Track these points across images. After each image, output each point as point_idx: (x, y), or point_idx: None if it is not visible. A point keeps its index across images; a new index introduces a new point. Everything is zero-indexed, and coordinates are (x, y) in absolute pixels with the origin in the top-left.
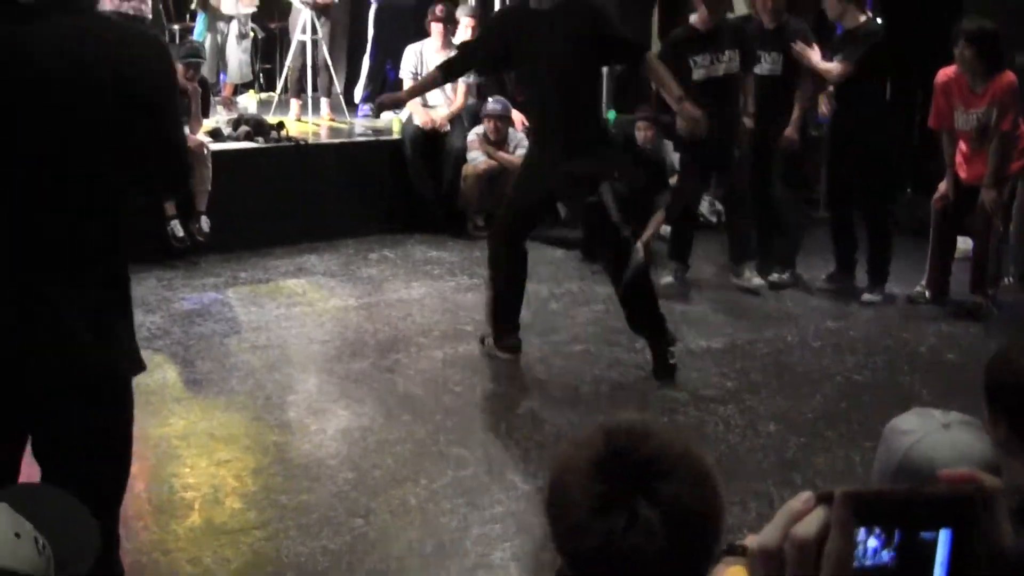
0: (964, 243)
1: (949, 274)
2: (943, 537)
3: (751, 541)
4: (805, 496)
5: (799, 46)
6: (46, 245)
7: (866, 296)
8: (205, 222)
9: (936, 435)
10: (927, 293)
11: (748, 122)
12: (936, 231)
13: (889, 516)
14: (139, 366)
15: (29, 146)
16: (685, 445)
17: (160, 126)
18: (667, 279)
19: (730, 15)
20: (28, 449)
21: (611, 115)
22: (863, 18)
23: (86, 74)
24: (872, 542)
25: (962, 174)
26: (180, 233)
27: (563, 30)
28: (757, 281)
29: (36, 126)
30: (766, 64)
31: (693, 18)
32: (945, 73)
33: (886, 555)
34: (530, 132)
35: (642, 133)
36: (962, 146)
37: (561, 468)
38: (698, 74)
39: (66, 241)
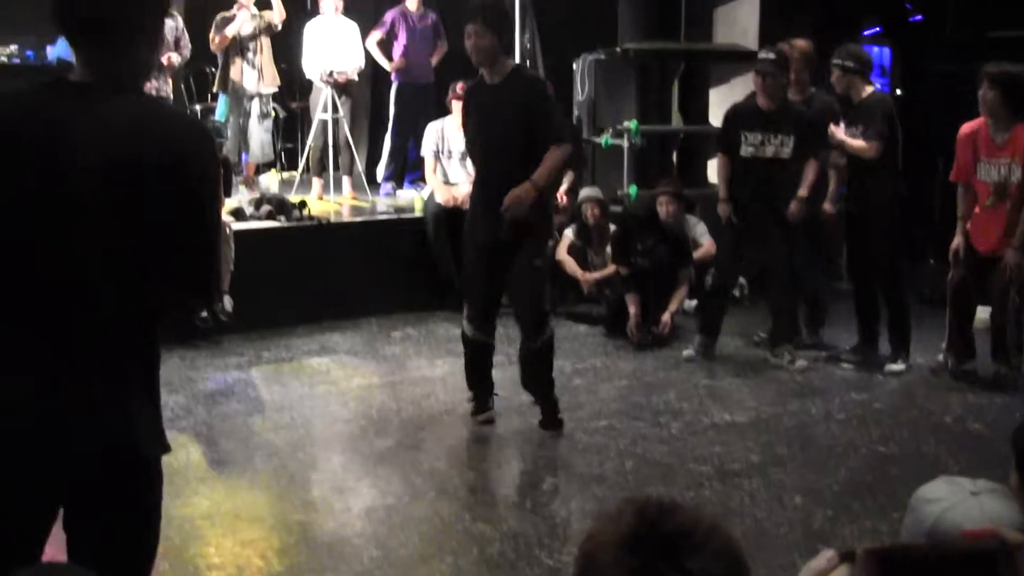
0: (984, 312)
1: (971, 343)
2: None
3: None
4: (828, 555)
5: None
6: (86, 324)
7: (889, 366)
8: (228, 302)
9: (965, 503)
10: (948, 363)
11: (794, 206)
12: (952, 300)
13: (911, 573)
14: (164, 447)
15: (79, 225)
16: (713, 520)
17: (197, 216)
18: (688, 352)
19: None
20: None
21: (632, 190)
22: (870, 89)
23: (140, 155)
24: None
25: (979, 245)
26: (203, 313)
27: (509, 101)
28: (801, 363)
29: (86, 206)
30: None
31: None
32: (969, 125)
33: None
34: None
35: (663, 208)
36: (977, 210)
37: (592, 543)
38: (746, 151)
39: (106, 321)
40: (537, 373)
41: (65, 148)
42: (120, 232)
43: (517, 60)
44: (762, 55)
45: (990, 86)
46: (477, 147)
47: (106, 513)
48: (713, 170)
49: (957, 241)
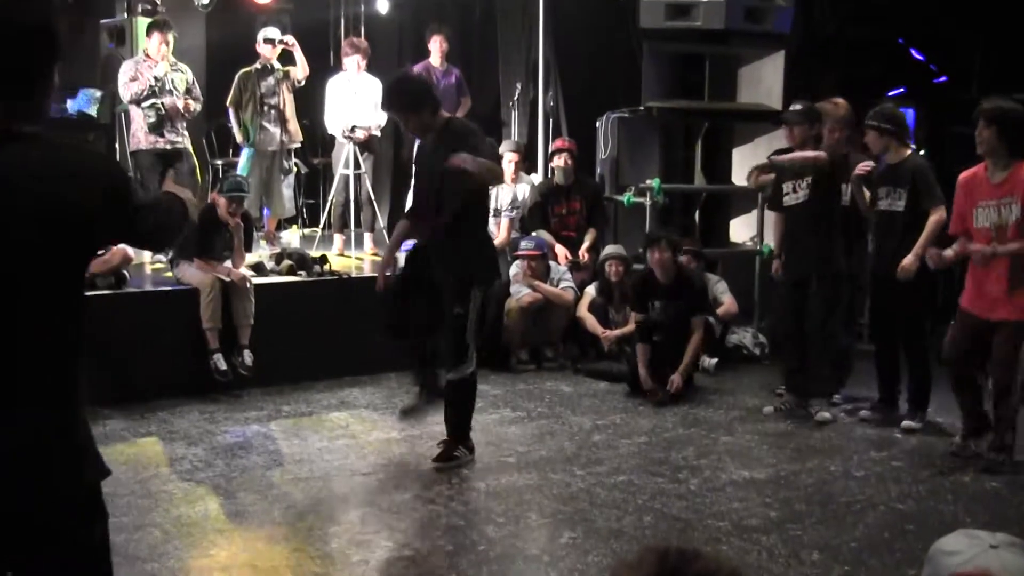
0: None
1: (985, 417)
2: None
3: None
4: None
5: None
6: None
7: (906, 423)
8: (248, 356)
9: (985, 555)
10: (967, 445)
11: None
12: (956, 381)
13: None
14: (104, 471)
15: None
16: (732, 566)
17: (125, 227)
18: (768, 409)
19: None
20: None
21: None
22: (907, 152)
23: (17, 200)
24: None
25: (975, 309)
26: (223, 366)
27: (443, 146)
28: (824, 415)
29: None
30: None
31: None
32: (967, 171)
33: None
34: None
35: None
36: (974, 269)
37: None
38: (786, 200)
39: (28, 361)
40: (453, 411)
41: None
42: (32, 275)
43: (541, 118)
44: (792, 107)
45: (986, 124)
46: (424, 195)
47: (58, 552)
48: (736, 229)
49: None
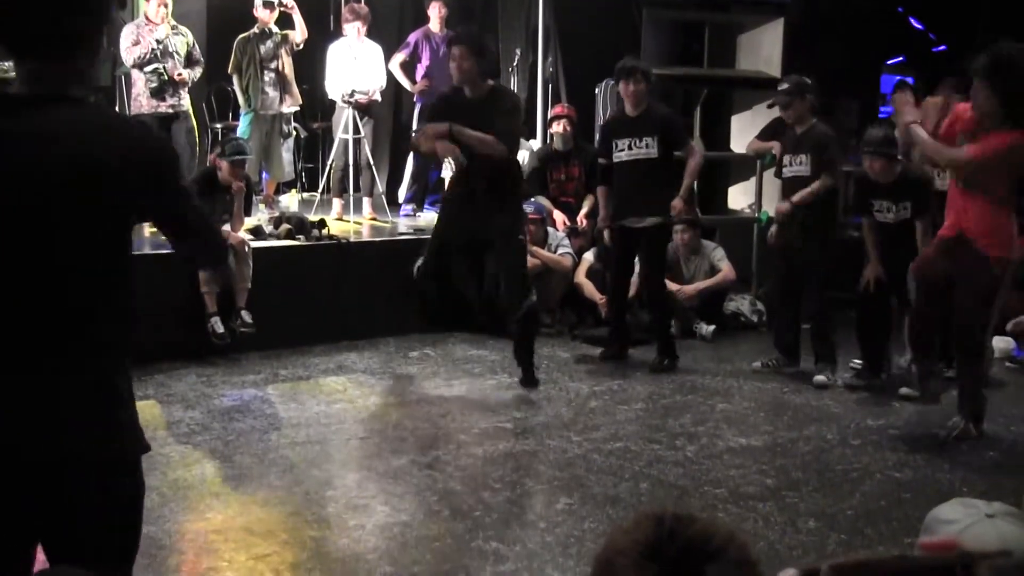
0: (1004, 343)
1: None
2: None
3: None
4: (789, 573)
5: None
6: (48, 327)
7: (904, 390)
8: (247, 315)
9: (980, 524)
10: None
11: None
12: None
13: None
14: (144, 446)
15: (19, 234)
16: (730, 530)
17: (166, 206)
18: (819, 378)
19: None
20: None
21: None
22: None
23: (69, 163)
24: None
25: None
26: (220, 330)
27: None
28: (820, 378)
29: (28, 216)
30: (793, 167)
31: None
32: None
33: None
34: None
35: (679, 236)
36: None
37: (610, 549)
38: (785, 172)
39: (69, 323)
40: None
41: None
42: (72, 234)
43: (540, 84)
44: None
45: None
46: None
47: (89, 519)
48: (734, 196)
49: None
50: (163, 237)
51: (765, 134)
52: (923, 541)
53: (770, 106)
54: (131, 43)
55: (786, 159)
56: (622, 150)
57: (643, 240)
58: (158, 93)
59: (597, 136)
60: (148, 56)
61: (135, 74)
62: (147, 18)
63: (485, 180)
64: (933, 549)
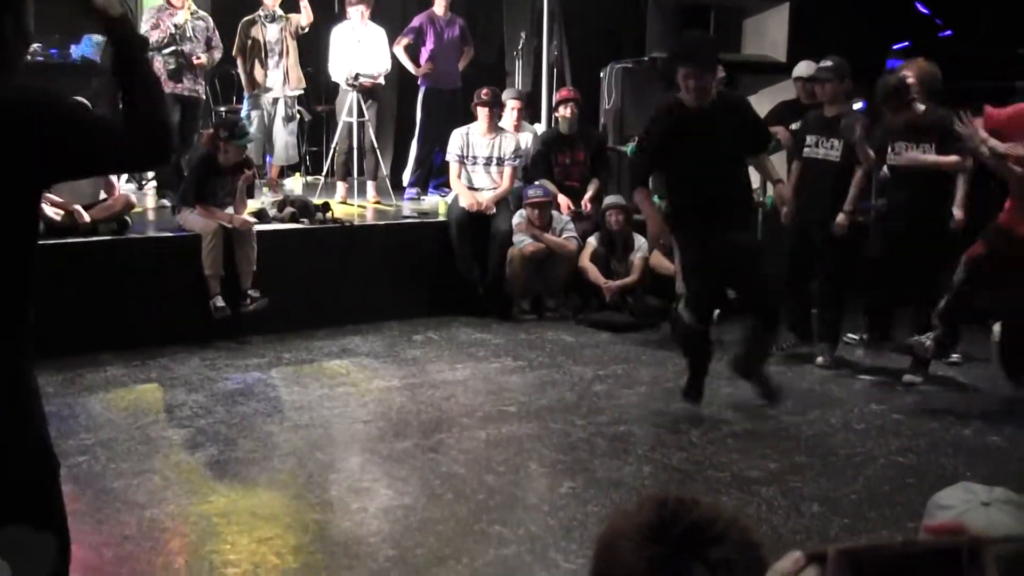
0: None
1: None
2: None
3: None
4: (795, 556)
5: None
6: None
7: (908, 377)
8: (253, 292)
9: (974, 512)
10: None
11: (843, 219)
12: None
13: (881, 572)
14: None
15: None
16: (733, 514)
17: (84, 139)
18: (819, 359)
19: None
20: None
21: (655, 199)
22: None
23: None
24: None
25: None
26: (221, 303)
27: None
28: (820, 359)
29: None
30: (821, 149)
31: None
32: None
33: None
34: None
35: None
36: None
37: (612, 532)
38: (807, 152)
39: None
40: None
41: None
42: None
43: (545, 68)
44: (822, 64)
45: None
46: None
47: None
48: None
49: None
50: (167, 220)
51: (770, 119)
52: (928, 524)
53: (805, 79)
54: (150, 27)
55: (811, 139)
56: None
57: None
58: (176, 75)
59: (602, 120)
60: (166, 40)
61: (154, 57)
62: (168, 2)
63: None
64: (939, 532)
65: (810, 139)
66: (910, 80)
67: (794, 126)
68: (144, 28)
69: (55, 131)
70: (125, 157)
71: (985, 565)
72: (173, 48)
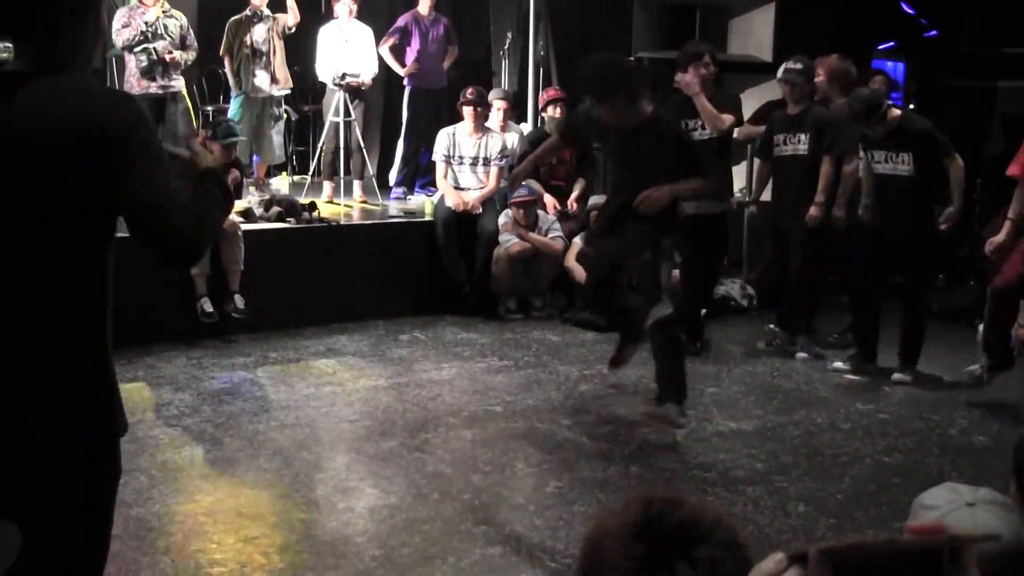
0: None
1: (1010, 353)
2: None
3: None
4: (777, 557)
5: None
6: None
7: (897, 376)
8: (240, 299)
9: (958, 512)
10: (984, 374)
11: (815, 211)
12: (994, 307)
13: (863, 572)
14: (122, 427)
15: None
16: (718, 513)
17: (132, 182)
18: (800, 355)
19: None
20: None
21: None
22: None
23: (40, 129)
24: None
25: None
26: (209, 308)
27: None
28: (802, 355)
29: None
30: (789, 146)
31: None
32: None
33: None
34: None
35: None
36: None
37: (598, 531)
38: (777, 151)
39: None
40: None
41: None
42: (29, 205)
43: (531, 68)
44: (791, 65)
45: None
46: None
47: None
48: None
49: (1002, 237)
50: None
51: (756, 118)
52: (910, 524)
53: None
54: (121, 25)
55: (778, 138)
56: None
57: (708, 226)
58: (148, 73)
59: None
60: (138, 38)
61: (127, 56)
62: (140, 0)
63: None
64: (921, 533)
65: (777, 139)
66: (819, 79)
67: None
68: (115, 27)
69: (91, 142)
70: (154, 231)
71: (966, 564)
72: (144, 46)
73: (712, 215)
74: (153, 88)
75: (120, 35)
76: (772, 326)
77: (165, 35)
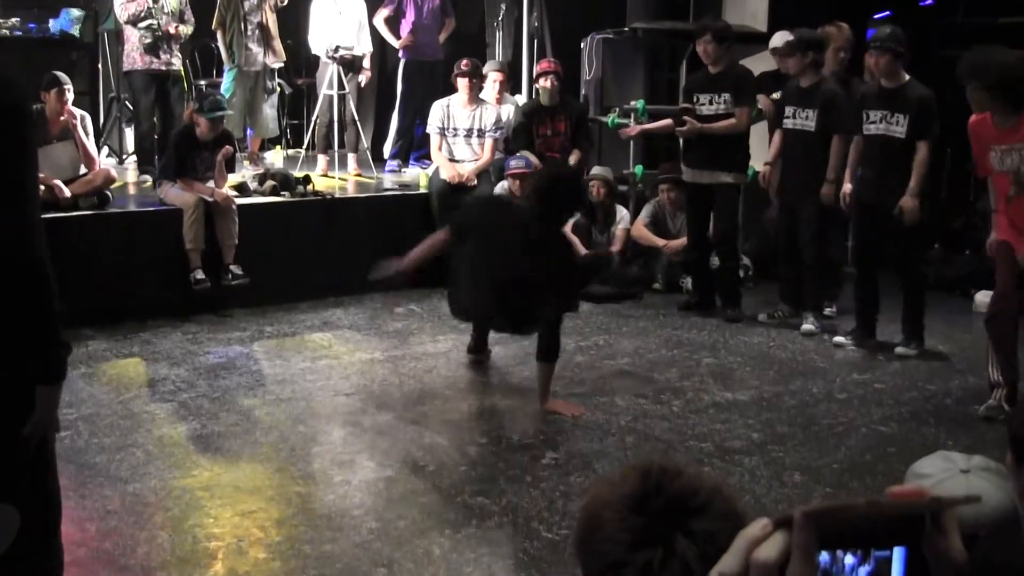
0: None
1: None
2: (897, 555)
3: (713, 572)
4: (762, 522)
5: None
6: None
7: (900, 350)
8: (236, 268)
9: (953, 479)
10: (1004, 405)
11: (827, 188)
12: (994, 332)
13: (847, 534)
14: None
15: None
16: (716, 484)
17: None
18: (806, 326)
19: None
20: None
21: (639, 170)
22: (907, 76)
23: None
24: (849, 559)
25: (1018, 250)
26: (201, 275)
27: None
28: (808, 327)
29: None
30: (797, 120)
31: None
32: (975, 116)
33: (863, 572)
34: None
35: (664, 195)
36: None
37: (596, 502)
38: (786, 123)
39: None
40: None
41: None
42: None
43: (525, 39)
44: (780, 38)
45: (977, 87)
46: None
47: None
48: None
49: (992, 236)
50: (149, 194)
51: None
52: (891, 490)
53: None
54: (126, 0)
55: (788, 110)
56: (702, 104)
57: (718, 195)
58: (152, 49)
59: (583, 91)
60: (143, 13)
61: (128, 30)
62: None
63: None
64: (902, 497)
65: (788, 110)
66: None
67: (776, 95)
68: (119, 1)
69: None
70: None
71: (947, 527)
72: (149, 22)
73: (727, 184)
74: (156, 64)
75: (125, 9)
76: (783, 305)
77: (168, 10)
